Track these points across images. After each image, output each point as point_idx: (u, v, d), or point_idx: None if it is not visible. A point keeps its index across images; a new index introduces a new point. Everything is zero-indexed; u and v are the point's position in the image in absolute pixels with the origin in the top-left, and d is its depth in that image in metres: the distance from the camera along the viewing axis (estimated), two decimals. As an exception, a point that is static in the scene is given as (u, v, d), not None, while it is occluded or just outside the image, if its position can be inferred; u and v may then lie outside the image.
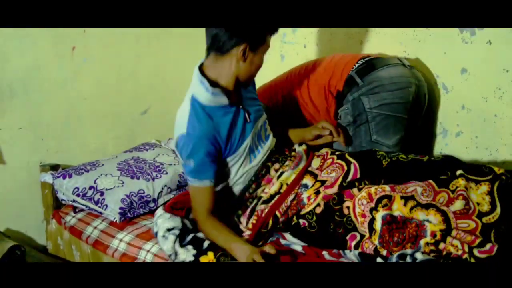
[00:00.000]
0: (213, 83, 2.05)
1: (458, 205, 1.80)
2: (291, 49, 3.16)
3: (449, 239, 1.77)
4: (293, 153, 2.28)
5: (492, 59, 2.30)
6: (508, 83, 2.27)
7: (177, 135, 2.07)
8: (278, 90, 2.64)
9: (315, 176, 2.16)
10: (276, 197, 2.10)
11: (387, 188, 1.93)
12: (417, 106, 2.40)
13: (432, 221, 1.80)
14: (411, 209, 1.85)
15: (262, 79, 3.35)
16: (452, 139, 2.51)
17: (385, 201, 1.90)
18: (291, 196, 2.11)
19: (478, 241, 1.73)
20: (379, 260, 1.80)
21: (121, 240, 2.29)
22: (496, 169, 1.88)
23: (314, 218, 2.02)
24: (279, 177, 2.16)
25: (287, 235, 2.07)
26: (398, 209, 1.87)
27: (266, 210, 2.07)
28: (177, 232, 2.07)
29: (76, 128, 2.87)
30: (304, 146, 2.29)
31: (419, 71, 2.47)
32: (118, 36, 2.97)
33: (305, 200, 2.08)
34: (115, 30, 2.94)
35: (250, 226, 2.07)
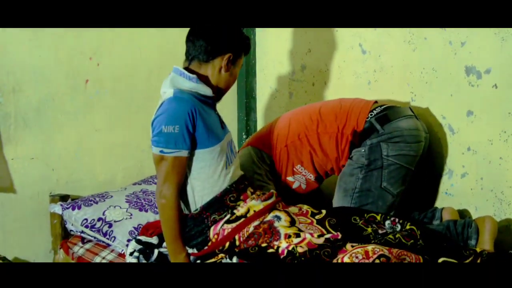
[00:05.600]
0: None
1: None
2: (299, 86, 3.22)
3: None
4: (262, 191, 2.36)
5: (497, 102, 2.34)
6: (513, 127, 2.31)
7: (161, 104, 2.14)
8: (282, 137, 2.61)
9: (292, 219, 2.19)
10: (241, 220, 2.15)
11: (385, 249, 1.92)
12: (420, 158, 2.48)
13: None
14: None
15: (271, 113, 3.41)
16: (458, 180, 2.53)
17: (383, 259, 1.87)
18: (255, 222, 2.15)
19: None
20: None
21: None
22: (477, 249, 2.01)
23: (297, 254, 2.00)
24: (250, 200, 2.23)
25: None
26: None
27: (228, 231, 2.13)
28: (137, 254, 2.17)
29: (86, 159, 2.91)
30: (274, 191, 2.35)
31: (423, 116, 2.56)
32: (131, 69, 3.04)
33: (282, 236, 2.07)
34: (128, 63, 3.01)
35: (209, 243, 2.14)
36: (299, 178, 2.62)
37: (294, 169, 2.60)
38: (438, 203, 2.61)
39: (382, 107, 2.49)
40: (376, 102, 2.56)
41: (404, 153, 2.40)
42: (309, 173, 2.59)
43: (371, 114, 2.47)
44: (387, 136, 2.41)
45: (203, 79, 2.19)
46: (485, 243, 2.15)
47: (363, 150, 2.43)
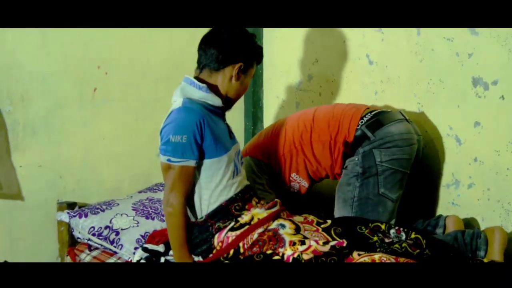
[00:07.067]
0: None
1: None
2: (306, 96, 3.23)
3: None
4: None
5: (504, 113, 2.35)
6: (520, 138, 2.32)
7: (170, 113, 2.16)
8: (279, 146, 2.63)
9: (297, 226, 2.19)
10: (245, 227, 2.16)
11: (392, 258, 1.93)
12: (415, 161, 2.49)
13: None
14: None
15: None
16: (464, 190, 2.54)
17: None
18: (259, 229, 2.16)
19: None
20: None
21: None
22: (485, 260, 2.01)
23: (303, 262, 2.00)
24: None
25: None
26: None
27: (232, 238, 2.14)
28: (143, 261, 2.21)
29: (93, 167, 2.92)
30: (278, 200, 2.36)
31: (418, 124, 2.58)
32: (138, 78, 3.05)
33: (287, 243, 2.07)
34: (135, 72, 3.03)
35: (214, 251, 2.14)
36: (294, 185, 2.66)
37: (290, 177, 2.63)
38: (444, 213, 2.61)
39: (372, 113, 2.50)
40: (368, 108, 2.57)
41: (397, 157, 2.41)
42: (303, 181, 2.62)
43: (361, 122, 2.48)
44: (379, 142, 2.42)
45: (213, 88, 2.20)
46: (495, 254, 2.15)
47: (356, 159, 2.45)
